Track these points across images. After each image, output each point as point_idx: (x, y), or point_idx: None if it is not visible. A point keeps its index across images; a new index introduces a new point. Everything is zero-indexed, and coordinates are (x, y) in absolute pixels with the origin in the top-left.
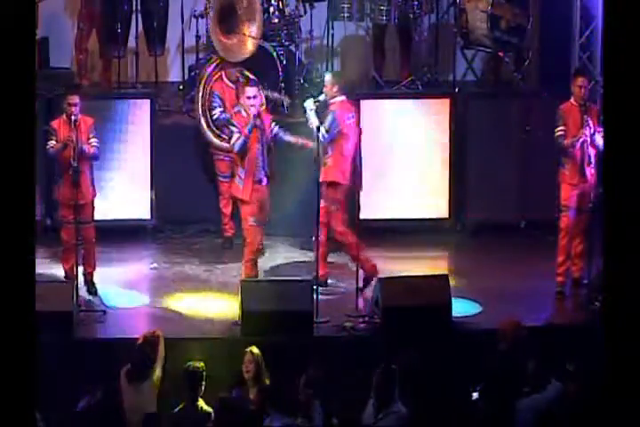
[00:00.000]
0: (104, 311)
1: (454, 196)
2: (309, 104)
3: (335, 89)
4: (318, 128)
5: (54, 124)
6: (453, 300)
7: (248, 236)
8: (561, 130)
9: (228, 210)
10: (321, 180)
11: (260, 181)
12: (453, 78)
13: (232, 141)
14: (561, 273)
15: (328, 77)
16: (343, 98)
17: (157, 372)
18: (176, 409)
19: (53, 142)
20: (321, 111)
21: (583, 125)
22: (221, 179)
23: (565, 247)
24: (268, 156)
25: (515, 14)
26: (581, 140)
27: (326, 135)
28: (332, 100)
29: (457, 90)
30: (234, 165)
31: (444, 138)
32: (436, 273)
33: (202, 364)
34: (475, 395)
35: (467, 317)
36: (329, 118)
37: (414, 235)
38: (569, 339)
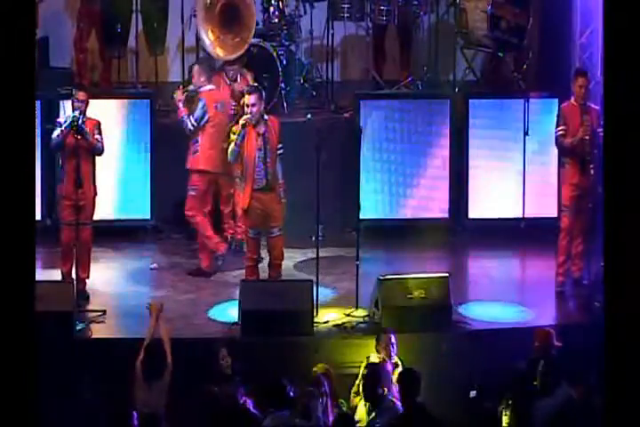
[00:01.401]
0: (104, 311)
1: (454, 196)
2: (178, 94)
3: (203, 78)
4: (188, 116)
5: (61, 120)
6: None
7: (247, 244)
8: (561, 129)
9: (227, 209)
10: (189, 167)
11: (260, 190)
12: (453, 78)
13: (228, 150)
14: (561, 273)
15: (196, 67)
16: (212, 87)
17: (168, 371)
18: None
19: (58, 131)
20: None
21: (583, 125)
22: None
23: (566, 247)
24: (269, 164)
25: (515, 14)
26: (581, 139)
27: (195, 123)
28: (201, 90)
29: (457, 90)
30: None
31: (444, 138)
32: (437, 273)
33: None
34: (473, 393)
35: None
36: (198, 107)
37: (414, 235)
38: (569, 339)
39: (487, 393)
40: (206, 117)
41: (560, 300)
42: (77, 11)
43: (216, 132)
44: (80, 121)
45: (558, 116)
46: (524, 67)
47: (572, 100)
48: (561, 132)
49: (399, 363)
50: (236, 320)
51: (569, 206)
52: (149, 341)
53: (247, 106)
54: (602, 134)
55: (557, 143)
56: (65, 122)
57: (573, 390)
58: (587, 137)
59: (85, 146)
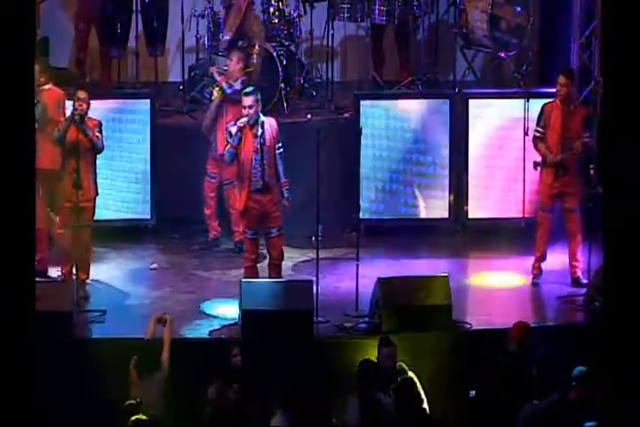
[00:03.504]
0: (104, 311)
1: (454, 196)
2: None
3: (43, 78)
4: None
5: (61, 118)
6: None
7: (245, 245)
8: (537, 131)
9: (209, 211)
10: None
11: (258, 191)
12: (453, 78)
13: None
14: (537, 266)
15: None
16: (50, 86)
17: (165, 368)
18: None
19: (60, 125)
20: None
21: (564, 129)
22: (207, 178)
23: (542, 243)
24: (268, 165)
25: (515, 14)
26: (558, 159)
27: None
28: (39, 88)
29: (457, 90)
30: (221, 168)
31: (444, 138)
32: (436, 273)
33: None
34: (472, 393)
35: None
36: (39, 107)
37: (414, 235)
38: (569, 339)
39: (487, 393)
40: (46, 117)
41: (560, 300)
42: (74, 11)
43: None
44: (80, 116)
45: (539, 114)
46: (524, 67)
47: (557, 99)
48: (537, 134)
49: (405, 369)
50: (236, 320)
51: (545, 204)
52: (146, 341)
53: (244, 107)
54: (587, 140)
55: (533, 143)
56: (67, 116)
57: (573, 392)
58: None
59: (85, 143)
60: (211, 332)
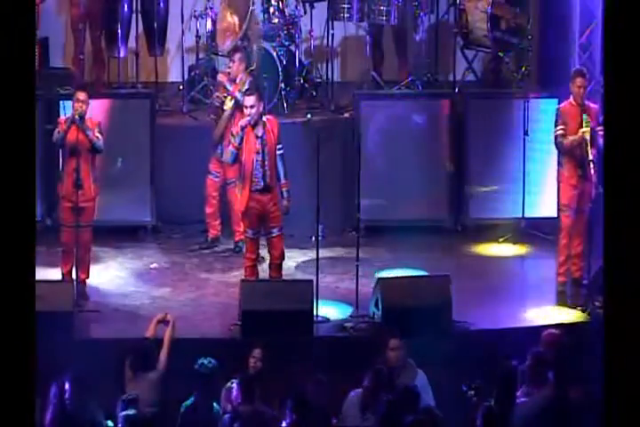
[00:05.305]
0: (103, 311)
1: (454, 196)
2: None
3: None
4: None
5: (62, 119)
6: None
7: (246, 245)
8: (560, 129)
9: (211, 209)
10: None
11: (258, 191)
12: (453, 78)
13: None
14: (562, 273)
15: None
16: None
17: (162, 368)
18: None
19: (60, 127)
20: None
21: (582, 125)
22: (210, 176)
23: (566, 247)
24: (269, 166)
25: (515, 14)
26: (580, 140)
27: None
28: None
29: (457, 90)
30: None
31: (444, 138)
32: (436, 273)
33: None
34: (470, 393)
35: None
36: None
37: (414, 235)
38: (568, 339)
39: (487, 393)
40: None
41: (560, 300)
42: (72, 12)
43: None
44: (80, 117)
45: (556, 116)
46: (524, 67)
47: (571, 99)
48: (560, 132)
49: (412, 363)
50: (236, 320)
51: (568, 206)
52: (143, 340)
53: (246, 107)
54: (601, 133)
55: (556, 143)
56: (66, 117)
57: (574, 390)
58: (587, 137)
59: (86, 143)
60: (211, 332)
